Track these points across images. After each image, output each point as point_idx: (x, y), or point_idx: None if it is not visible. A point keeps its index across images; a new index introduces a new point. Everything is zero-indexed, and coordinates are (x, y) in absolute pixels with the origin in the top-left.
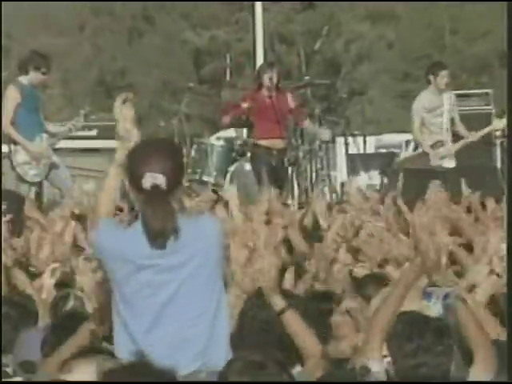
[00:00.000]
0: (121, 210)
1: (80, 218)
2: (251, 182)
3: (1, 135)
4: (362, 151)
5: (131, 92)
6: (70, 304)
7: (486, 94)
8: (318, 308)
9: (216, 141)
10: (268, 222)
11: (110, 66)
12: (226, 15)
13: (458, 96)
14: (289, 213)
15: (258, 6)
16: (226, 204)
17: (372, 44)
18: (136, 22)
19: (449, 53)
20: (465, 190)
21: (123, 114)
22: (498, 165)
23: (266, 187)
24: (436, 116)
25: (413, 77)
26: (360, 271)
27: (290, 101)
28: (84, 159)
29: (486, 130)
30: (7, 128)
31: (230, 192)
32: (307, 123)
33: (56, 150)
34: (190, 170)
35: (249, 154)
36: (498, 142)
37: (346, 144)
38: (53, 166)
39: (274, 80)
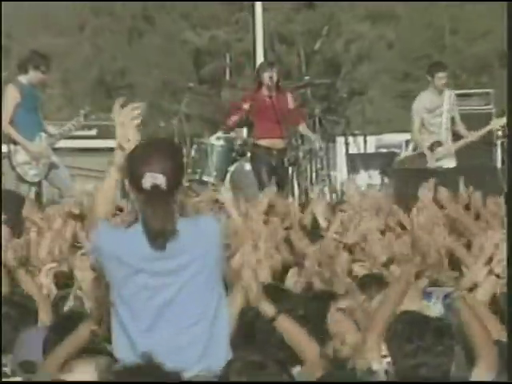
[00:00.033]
0: (121, 209)
1: (79, 218)
2: (251, 182)
3: (1, 135)
4: (362, 151)
5: (131, 92)
6: (70, 304)
7: (487, 93)
8: (318, 308)
9: (216, 141)
10: (267, 222)
11: (110, 66)
12: (226, 15)
13: (459, 96)
14: (292, 214)
15: (258, 5)
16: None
17: (372, 44)
18: (136, 22)
19: (449, 53)
20: (462, 188)
21: (125, 121)
22: (499, 165)
23: (265, 187)
24: (436, 116)
25: (413, 77)
26: (359, 270)
27: (290, 101)
28: (84, 159)
29: (485, 129)
30: (7, 128)
31: (225, 194)
32: (302, 126)
33: (55, 150)
34: (189, 170)
35: (249, 154)
36: (499, 142)
37: (347, 144)
38: (52, 166)
39: (274, 79)
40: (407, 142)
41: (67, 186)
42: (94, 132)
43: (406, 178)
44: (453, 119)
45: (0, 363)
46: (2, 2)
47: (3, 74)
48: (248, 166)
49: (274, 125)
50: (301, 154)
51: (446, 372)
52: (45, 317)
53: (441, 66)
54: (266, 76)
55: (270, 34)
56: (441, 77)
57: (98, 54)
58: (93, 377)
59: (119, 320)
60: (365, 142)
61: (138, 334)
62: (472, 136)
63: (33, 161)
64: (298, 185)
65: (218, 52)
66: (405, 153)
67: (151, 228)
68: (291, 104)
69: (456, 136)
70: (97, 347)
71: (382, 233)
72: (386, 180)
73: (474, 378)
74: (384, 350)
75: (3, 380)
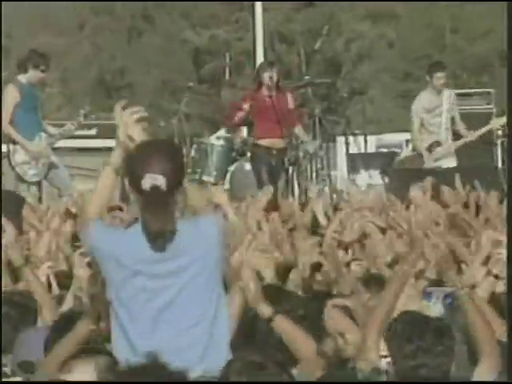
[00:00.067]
0: (121, 209)
1: (76, 217)
2: (251, 181)
3: (1, 135)
4: (362, 151)
5: (130, 92)
6: (68, 304)
7: (488, 93)
8: (318, 308)
9: (216, 140)
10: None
11: (110, 66)
12: (225, 14)
13: (460, 95)
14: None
15: (258, 5)
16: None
17: (372, 43)
18: (136, 22)
19: (449, 52)
20: (459, 186)
21: (129, 121)
22: (499, 164)
23: (265, 187)
24: (435, 116)
25: (413, 76)
26: (356, 269)
27: (290, 101)
28: (83, 158)
29: (484, 129)
30: (6, 128)
31: (220, 194)
32: (298, 128)
33: (55, 150)
34: (189, 170)
35: (249, 154)
36: (499, 141)
37: (347, 143)
38: (52, 166)
39: (274, 79)
40: (408, 142)
41: (67, 185)
42: (93, 132)
43: (406, 177)
44: (453, 119)
45: (0, 363)
46: (2, 2)
47: (3, 73)
48: (248, 166)
49: (273, 125)
50: (301, 154)
51: (445, 372)
52: (47, 316)
53: (439, 66)
54: (265, 76)
55: (270, 33)
56: (439, 77)
57: (97, 53)
58: (92, 377)
59: (118, 322)
60: (365, 141)
61: (137, 336)
62: (471, 136)
63: (32, 160)
64: (298, 185)
65: (217, 51)
66: (405, 153)
67: (151, 229)
68: (291, 104)
69: (457, 136)
70: (96, 347)
71: (383, 232)
72: (387, 180)
73: (476, 377)
74: (384, 350)
75: (3, 380)
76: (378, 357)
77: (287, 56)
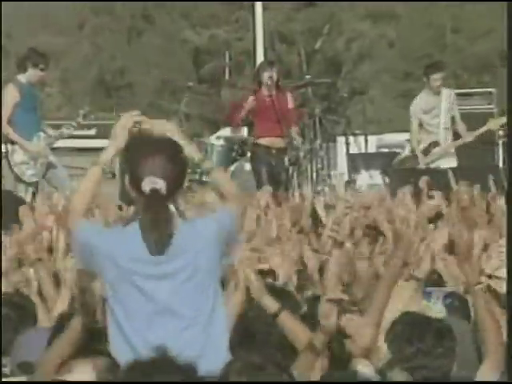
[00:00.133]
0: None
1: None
2: (251, 182)
3: (1, 136)
4: (363, 151)
5: (130, 91)
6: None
7: (489, 93)
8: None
9: (216, 140)
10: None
11: (110, 65)
12: (225, 14)
13: (461, 95)
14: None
15: (258, 4)
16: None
17: (373, 43)
18: (135, 22)
19: (450, 52)
20: (454, 185)
21: (127, 124)
22: (501, 164)
23: (264, 186)
24: (434, 117)
25: (414, 76)
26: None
27: (290, 101)
28: (82, 159)
29: (482, 129)
30: (5, 127)
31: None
32: (294, 130)
33: (54, 150)
34: (189, 170)
35: (249, 154)
36: (501, 141)
37: (347, 143)
38: (50, 166)
39: (274, 78)
40: (408, 142)
41: (65, 185)
42: (92, 132)
43: (406, 177)
44: (453, 118)
45: (0, 364)
46: (2, 2)
47: (3, 73)
48: (248, 166)
49: (273, 124)
50: (301, 154)
51: (446, 373)
52: (55, 311)
53: (436, 67)
54: (265, 75)
55: (271, 33)
56: (436, 78)
57: (97, 53)
58: (91, 377)
59: (114, 318)
60: (366, 141)
61: (134, 333)
62: (470, 136)
63: (31, 160)
64: (299, 185)
65: (217, 51)
66: (405, 153)
67: (149, 235)
68: (291, 104)
69: (457, 136)
70: (96, 348)
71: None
72: (387, 180)
73: (479, 376)
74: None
75: (4, 380)
76: (377, 353)
77: (287, 56)
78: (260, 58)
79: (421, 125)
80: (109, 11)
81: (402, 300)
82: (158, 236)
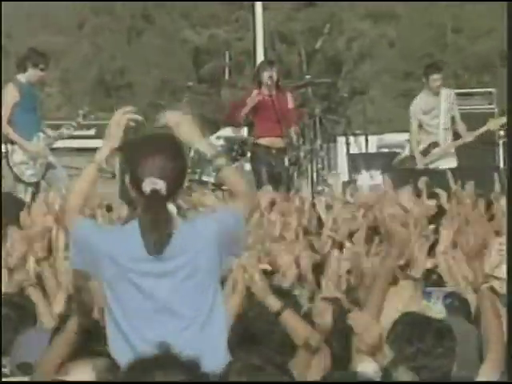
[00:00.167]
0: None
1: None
2: (251, 182)
3: (1, 136)
4: (363, 151)
5: (130, 91)
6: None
7: (490, 93)
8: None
9: (216, 140)
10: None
11: (109, 65)
12: (225, 14)
13: (461, 95)
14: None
15: (258, 4)
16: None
17: (373, 42)
18: (135, 21)
19: (450, 51)
20: (453, 186)
21: (121, 121)
22: (501, 165)
23: (264, 186)
24: (433, 117)
25: (415, 76)
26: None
27: (290, 101)
28: (82, 159)
29: (481, 130)
30: (4, 127)
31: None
32: (294, 130)
33: (54, 150)
34: (189, 170)
35: (249, 154)
36: (501, 141)
37: (348, 144)
38: (50, 166)
39: (274, 78)
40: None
41: (65, 186)
42: (92, 132)
43: (406, 177)
44: (453, 118)
45: (0, 364)
46: (2, 2)
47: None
48: (248, 166)
49: (273, 124)
50: (302, 154)
51: (446, 373)
52: (57, 309)
53: (435, 67)
54: (265, 75)
55: (271, 32)
56: (435, 79)
57: (97, 52)
58: (91, 378)
59: (112, 317)
60: (366, 141)
61: (132, 332)
62: (469, 136)
63: (30, 161)
64: (299, 185)
65: (217, 51)
66: (404, 153)
67: (149, 235)
68: (291, 104)
69: (457, 136)
70: (96, 349)
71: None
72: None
73: (480, 376)
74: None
75: (4, 380)
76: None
77: (287, 55)
78: (260, 57)
79: (420, 125)
80: (109, 11)
81: (402, 300)
82: (158, 237)
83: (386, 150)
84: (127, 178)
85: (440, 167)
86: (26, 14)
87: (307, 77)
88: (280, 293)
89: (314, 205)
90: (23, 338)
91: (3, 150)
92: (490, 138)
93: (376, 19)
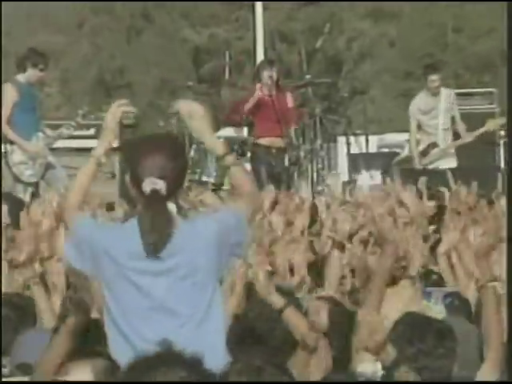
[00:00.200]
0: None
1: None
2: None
3: (1, 136)
4: (364, 151)
5: (130, 91)
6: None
7: (490, 93)
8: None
9: None
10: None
11: (109, 65)
12: (225, 13)
13: (462, 95)
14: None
15: (259, 4)
16: None
17: (374, 42)
18: (135, 21)
19: (451, 51)
20: (453, 186)
21: (116, 114)
22: (502, 165)
23: (264, 187)
24: (432, 118)
25: (415, 75)
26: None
27: (289, 100)
28: (81, 159)
29: (480, 130)
30: (4, 127)
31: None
32: (293, 131)
33: (53, 150)
34: (189, 171)
35: (249, 154)
36: (502, 141)
37: (348, 143)
38: (49, 166)
39: (274, 78)
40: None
41: (64, 186)
42: (91, 132)
43: (406, 177)
44: (453, 118)
45: (0, 364)
46: (2, 2)
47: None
48: (248, 166)
49: (273, 124)
50: (302, 154)
51: (447, 374)
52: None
53: (433, 68)
54: (265, 75)
55: (271, 32)
56: (433, 79)
57: (96, 52)
58: (90, 379)
59: (111, 316)
60: (366, 141)
61: (131, 330)
62: (469, 136)
63: (29, 161)
64: (299, 185)
65: (217, 51)
66: (404, 153)
67: (148, 236)
68: (290, 103)
69: (457, 136)
70: (96, 349)
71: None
72: (388, 180)
73: (480, 375)
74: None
75: (4, 380)
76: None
77: (288, 55)
78: (260, 57)
79: (420, 126)
80: (108, 11)
81: (402, 300)
82: (157, 238)
83: (386, 150)
84: (127, 178)
85: (440, 167)
86: (25, 13)
87: (307, 76)
88: (281, 293)
89: (314, 205)
90: (23, 339)
91: (3, 150)
92: (490, 138)
93: (376, 19)
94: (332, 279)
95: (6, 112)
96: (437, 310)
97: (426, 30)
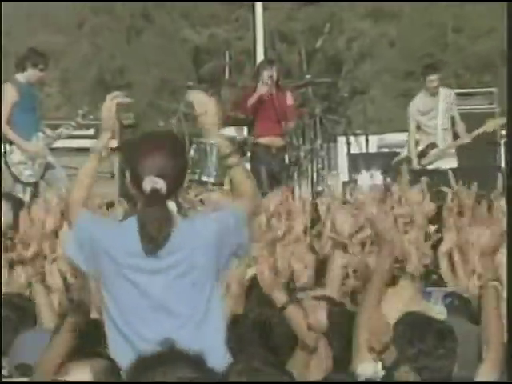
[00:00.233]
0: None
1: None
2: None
3: (1, 136)
4: (364, 151)
5: (130, 91)
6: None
7: (490, 93)
8: None
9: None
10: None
11: (109, 65)
12: (225, 13)
13: (462, 95)
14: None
15: (259, 4)
16: None
17: (374, 42)
18: (135, 21)
19: (451, 51)
20: (453, 185)
21: (111, 107)
22: (502, 165)
23: (264, 187)
24: (431, 118)
25: (415, 76)
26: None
27: (289, 98)
28: (81, 159)
29: (479, 130)
30: (4, 127)
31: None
32: (291, 126)
33: (53, 150)
34: (189, 170)
35: (249, 154)
36: (502, 141)
37: (348, 143)
38: (48, 166)
39: (274, 78)
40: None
41: (64, 186)
42: (91, 132)
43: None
44: (453, 119)
45: (0, 364)
46: (2, 2)
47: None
48: (248, 166)
49: (273, 123)
50: (302, 154)
51: (447, 374)
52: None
53: (432, 68)
54: (265, 74)
55: (271, 32)
56: (432, 79)
57: (96, 52)
58: (90, 379)
59: (110, 317)
60: (366, 141)
61: (129, 329)
62: (467, 137)
63: (29, 161)
64: (299, 185)
65: (217, 50)
66: (404, 153)
67: (146, 235)
68: (290, 101)
69: (457, 136)
70: (95, 350)
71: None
72: (389, 180)
73: (479, 375)
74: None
75: (4, 380)
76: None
77: (288, 55)
78: (260, 57)
79: (419, 126)
80: (108, 10)
81: (402, 300)
82: (156, 237)
83: (386, 150)
84: (127, 177)
85: (440, 167)
86: (25, 13)
87: (307, 76)
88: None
89: (314, 205)
90: (22, 339)
91: (2, 151)
92: (491, 137)
93: (376, 19)
94: (333, 280)
95: (5, 112)
96: (437, 310)
97: (426, 30)
